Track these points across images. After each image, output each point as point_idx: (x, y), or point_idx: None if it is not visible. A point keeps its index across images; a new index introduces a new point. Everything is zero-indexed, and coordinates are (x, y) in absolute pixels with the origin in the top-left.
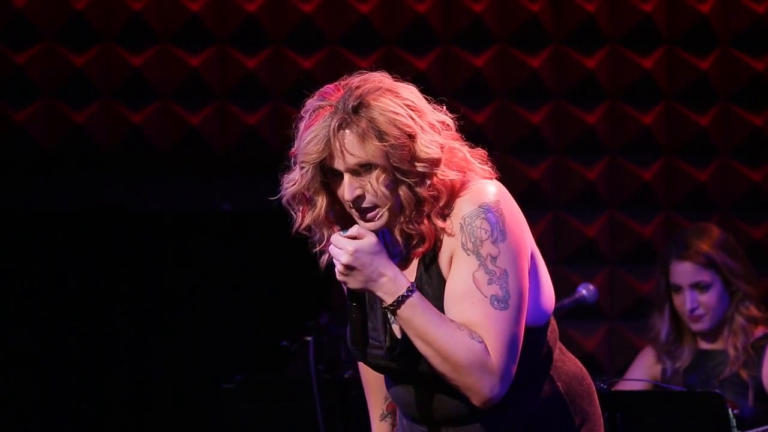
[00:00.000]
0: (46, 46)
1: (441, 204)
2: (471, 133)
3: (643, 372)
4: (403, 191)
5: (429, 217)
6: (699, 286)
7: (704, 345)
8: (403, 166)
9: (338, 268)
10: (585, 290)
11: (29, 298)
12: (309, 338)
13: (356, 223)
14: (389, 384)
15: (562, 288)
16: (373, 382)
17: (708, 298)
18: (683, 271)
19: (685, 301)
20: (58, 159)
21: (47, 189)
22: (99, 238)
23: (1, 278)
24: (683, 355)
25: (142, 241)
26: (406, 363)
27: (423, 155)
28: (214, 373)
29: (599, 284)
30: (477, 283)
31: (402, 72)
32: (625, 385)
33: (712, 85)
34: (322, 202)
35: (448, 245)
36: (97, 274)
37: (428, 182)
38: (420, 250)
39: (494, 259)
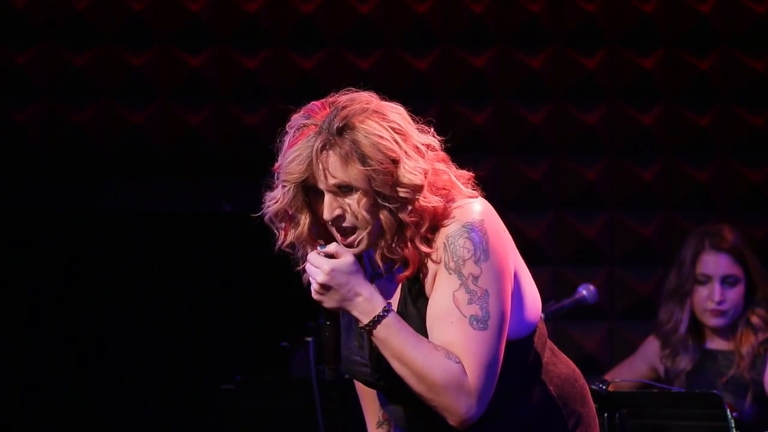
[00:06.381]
0: (46, 46)
1: (423, 229)
2: (471, 134)
3: (645, 363)
4: (384, 215)
5: (412, 242)
6: (729, 280)
7: (710, 345)
8: (385, 191)
9: (314, 286)
10: (585, 291)
11: (29, 299)
12: (309, 339)
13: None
14: (382, 401)
15: (562, 288)
16: (368, 390)
17: (734, 294)
18: (718, 263)
19: (712, 293)
20: (58, 159)
21: (47, 189)
22: (98, 239)
23: (0, 279)
24: (689, 354)
25: (141, 241)
26: (393, 381)
27: (406, 181)
28: (214, 374)
29: (599, 285)
30: (457, 302)
31: (402, 72)
32: (623, 381)
33: (712, 85)
34: (305, 219)
35: (432, 269)
36: (96, 274)
37: (410, 207)
38: (404, 274)
39: (476, 279)
